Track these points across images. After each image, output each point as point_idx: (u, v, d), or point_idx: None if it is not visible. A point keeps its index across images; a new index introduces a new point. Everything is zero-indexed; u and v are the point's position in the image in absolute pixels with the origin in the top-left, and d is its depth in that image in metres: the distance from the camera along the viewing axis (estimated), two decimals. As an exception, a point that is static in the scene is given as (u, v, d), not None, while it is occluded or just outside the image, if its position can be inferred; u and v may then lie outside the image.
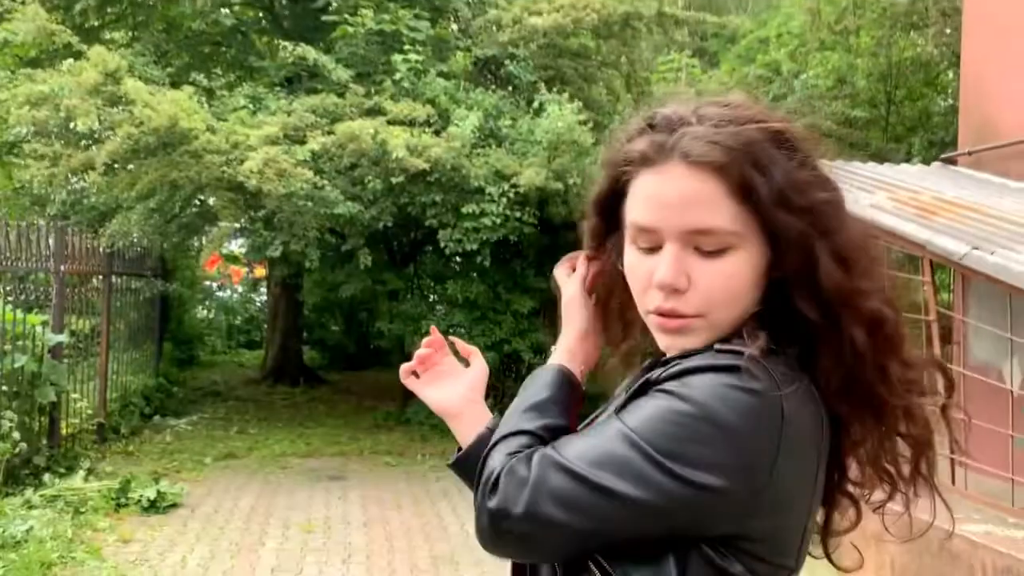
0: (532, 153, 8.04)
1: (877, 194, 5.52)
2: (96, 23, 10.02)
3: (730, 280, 0.96)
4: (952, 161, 7.52)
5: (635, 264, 1.00)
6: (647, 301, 0.99)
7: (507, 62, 9.41)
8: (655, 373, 0.98)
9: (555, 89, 8.96)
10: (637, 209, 0.99)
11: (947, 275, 7.27)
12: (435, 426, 9.24)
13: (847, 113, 12.48)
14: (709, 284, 0.95)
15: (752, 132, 0.96)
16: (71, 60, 9.05)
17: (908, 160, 11.54)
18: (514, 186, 7.73)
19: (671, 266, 0.95)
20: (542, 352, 9.15)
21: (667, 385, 0.93)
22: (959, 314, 5.56)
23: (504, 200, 7.80)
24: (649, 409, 0.93)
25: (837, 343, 0.96)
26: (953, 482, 4.32)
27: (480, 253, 8.11)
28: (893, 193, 5.58)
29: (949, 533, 3.61)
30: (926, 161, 10.02)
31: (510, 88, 9.61)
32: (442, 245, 8.21)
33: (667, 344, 1.00)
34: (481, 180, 7.76)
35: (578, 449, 0.95)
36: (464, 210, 7.87)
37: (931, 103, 13.20)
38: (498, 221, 7.84)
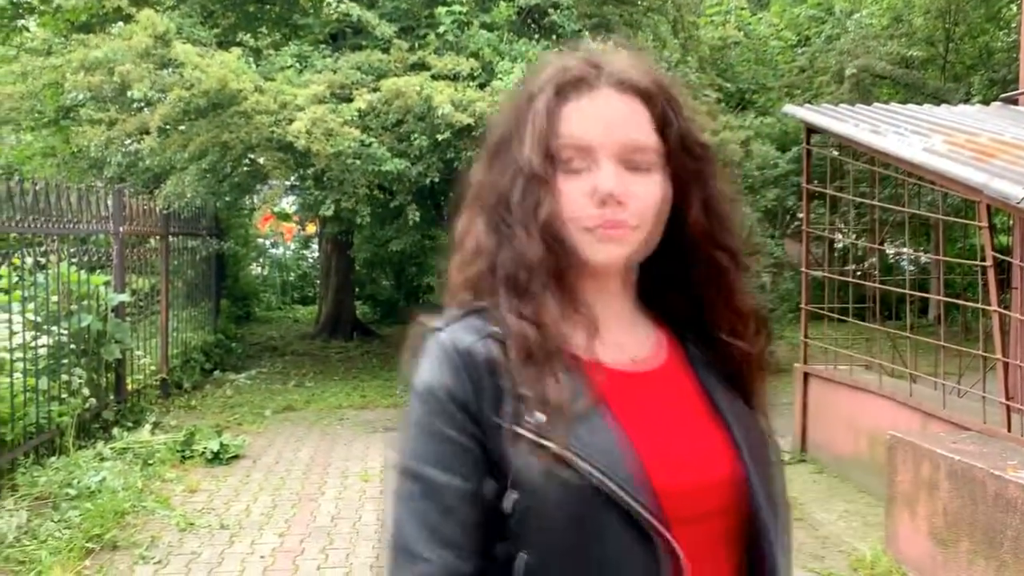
0: (577, 104, 7.98)
1: (932, 137, 5.37)
2: (144, -15, 10.14)
3: (656, 197, 1.02)
4: (1014, 100, 7.27)
5: (568, 186, 1.00)
6: (585, 218, 0.99)
7: (551, 11, 9.29)
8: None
9: (600, 38, 8.82)
10: (572, 130, 1.00)
11: (1006, 219, 7.07)
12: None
13: (903, 53, 12.09)
14: (643, 197, 1.00)
15: (665, 76, 1.06)
16: (121, 24, 9.20)
17: (967, 100, 11.16)
18: (559, 138, 7.71)
19: (615, 177, 0.99)
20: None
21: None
22: (1017, 259, 5.43)
23: (549, 152, 7.79)
24: None
25: (685, 279, 1.08)
26: (1009, 428, 4.28)
27: (526, 206, 8.13)
28: (950, 136, 5.43)
29: (1004, 479, 3.59)
30: (986, 101, 9.69)
31: (554, 38, 9.50)
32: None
33: (609, 256, 1.01)
34: (527, 133, 7.75)
35: None
36: (510, 163, 7.88)
37: (993, 39, 12.69)
38: (544, 173, 7.84)
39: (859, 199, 6.83)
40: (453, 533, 0.95)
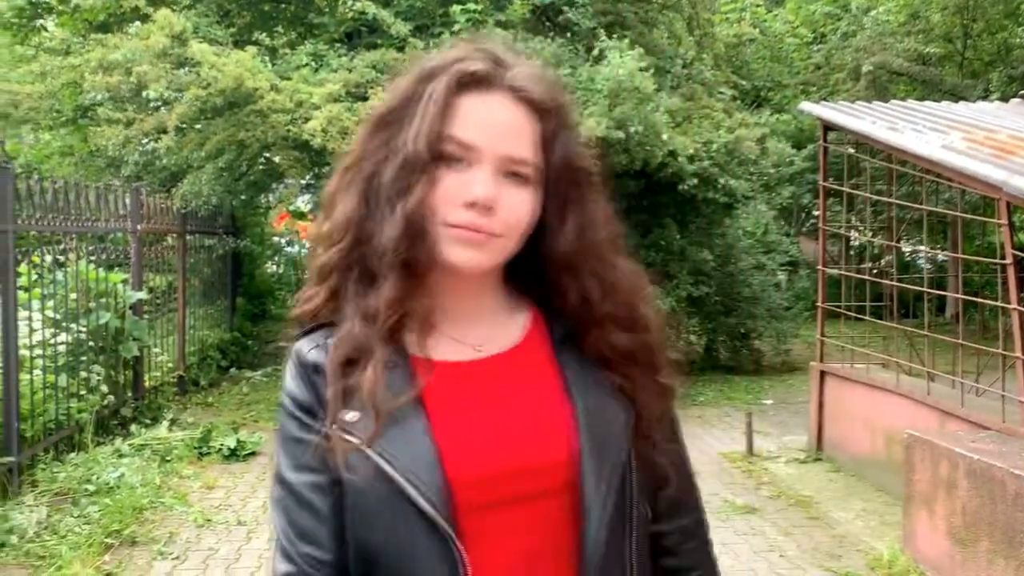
0: (592, 102, 7.96)
1: (951, 134, 5.34)
2: (160, -16, 10.20)
3: (526, 210, 1.02)
4: (1033, 97, 7.20)
5: (444, 179, 1.00)
6: (450, 214, 0.99)
7: (565, 8, 9.28)
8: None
9: (615, 35, 8.81)
10: (460, 125, 1.00)
11: (1025, 216, 7.01)
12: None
13: (920, 49, 12.00)
14: (514, 208, 1.00)
15: (563, 95, 1.07)
16: (138, 23, 9.26)
17: (986, 97, 11.07)
18: (575, 136, 7.69)
19: (490, 184, 0.99)
20: (605, 302, 9.17)
21: None
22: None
23: (565, 150, 7.77)
24: None
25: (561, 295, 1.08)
26: (1028, 428, 4.25)
27: (542, 204, 8.12)
28: (968, 133, 5.39)
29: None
30: (1005, 98, 9.60)
31: (569, 35, 9.49)
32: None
33: (463, 258, 1.00)
34: (541, 131, 7.75)
35: None
36: (525, 162, 7.88)
37: (1011, 35, 12.57)
38: (559, 172, 7.83)
39: (876, 196, 6.79)
40: (312, 527, 1.01)
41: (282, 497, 1.03)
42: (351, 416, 0.98)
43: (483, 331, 1.08)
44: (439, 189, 0.99)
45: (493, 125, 1.00)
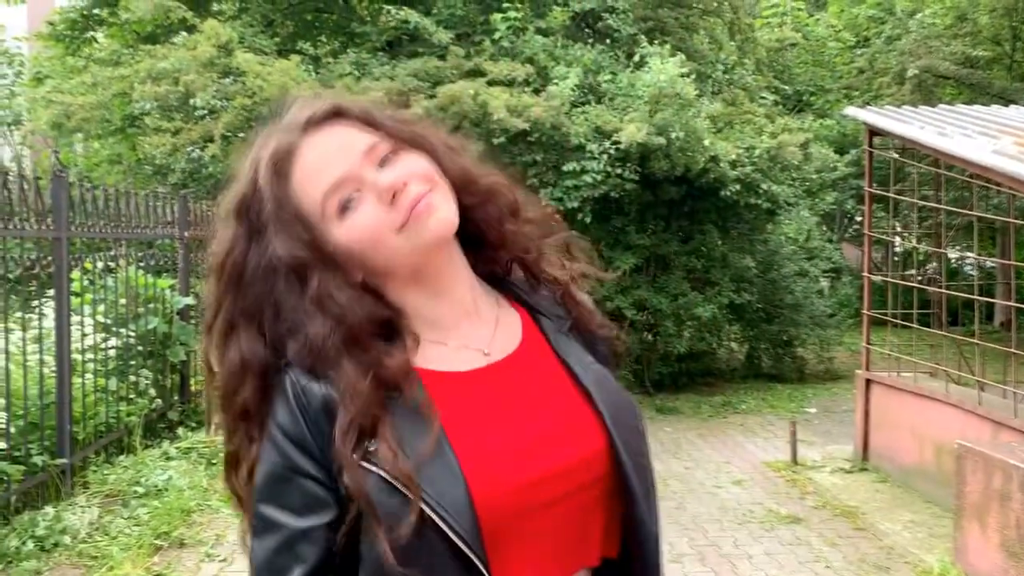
0: (633, 108, 7.95)
1: (1002, 139, 5.24)
2: (206, -5, 10.41)
3: (419, 162, 1.05)
4: (1086, 100, 7.04)
5: (353, 224, 1.02)
6: (392, 222, 1.02)
7: (606, 15, 9.29)
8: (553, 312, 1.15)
9: (656, 41, 8.80)
10: (315, 187, 1.03)
11: (1079, 222, 6.85)
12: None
13: (967, 52, 11.79)
14: (412, 167, 1.04)
15: (333, 93, 1.16)
16: (184, 33, 9.45)
17: (1036, 100, 10.82)
18: (615, 143, 7.68)
19: (384, 174, 1.03)
20: (645, 309, 9.13)
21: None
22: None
23: (605, 157, 7.76)
24: None
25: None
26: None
27: (581, 211, 8.10)
28: (1020, 137, 5.28)
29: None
30: (1056, 101, 9.40)
31: (608, 42, 9.49)
32: (543, 204, 8.24)
33: (435, 225, 1.03)
34: (581, 138, 7.75)
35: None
36: (565, 168, 7.88)
37: (1062, 37, 12.30)
38: (599, 178, 7.82)
39: (924, 202, 6.68)
40: (284, 564, 0.98)
41: (258, 529, 1.00)
42: (384, 453, 0.95)
43: (484, 332, 1.09)
44: (362, 229, 1.02)
45: (329, 156, 1.04)
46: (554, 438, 1.03)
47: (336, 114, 1.06)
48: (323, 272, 1.02)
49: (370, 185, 1.02)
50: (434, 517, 0.93)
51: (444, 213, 1.03)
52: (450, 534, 0.93)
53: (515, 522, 0.98)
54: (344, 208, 1.02)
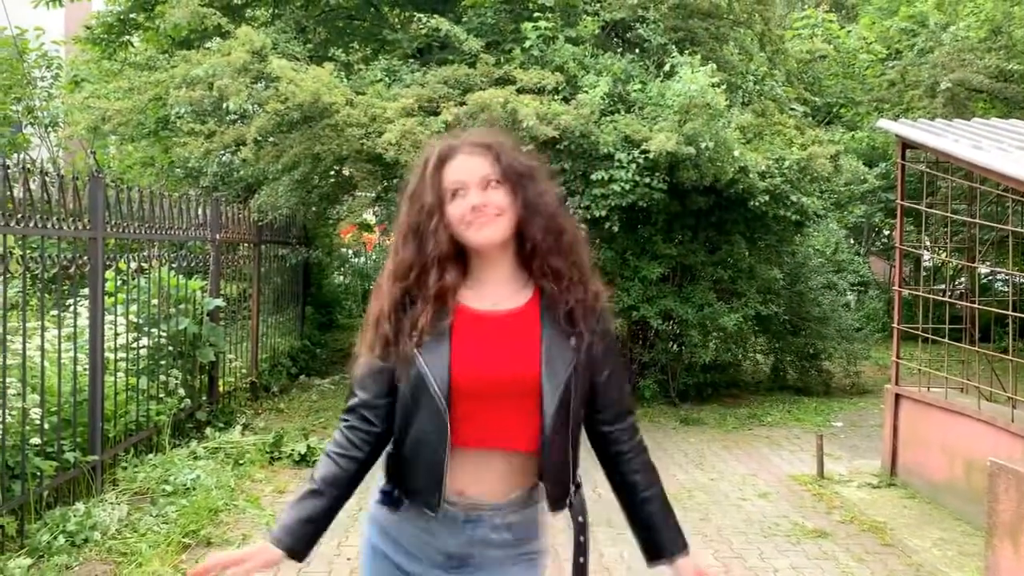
0: (663, 117, 7.94)
1: (1038, 154, 5.18)
2: (240, 1, 10.53)
3: (502, 198, 1.81)
4: (1124, 115, 6.94)
5: (452, 208, 1.81)
6: (463, 219, 1.79)
7: (636, 25, 9.29)
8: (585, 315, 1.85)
9: (686, 51, 8.78)
10: (451, 178, 1.82)
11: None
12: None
13: (1002, 66, 11.65)
14: (496, 200, 1.80)
15: (497, 137, 1.88)
16: (219, 39, 9.57)
17: (1072, 115, 10.68)
18: (644, 152, 7.66)
19: (478, 195, 1.80)
20: (671, 319, 9.10)
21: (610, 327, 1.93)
22: None
23: (633, 166, 7.75)
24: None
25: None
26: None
27: (608, 219, 8.09)
28: (1056, 152, 5.23)
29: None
30: (1093, 116, 9.26)
31: (638, 51, 9.49)
32: (571, 212, 8.24)
33: (480, 237, 1.80)
34: (610, 146, 7.74)
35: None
36: (593, 177, 7.88)
37: (1099, 52, 12.11)
38: (627, 187, 7.80)
39: (957, 216, 6.61)
40: (371, 386, 1.85)
41: (359, 367, 1.86)
42: (412, 335, 1.78)
43: (501, 294, 1.84)
44: (452, 213, 1.81)
45: (466, 168, 1.81)
46: (509, 361, 1.77)
47: (484, 146, 1.82)
48: (440, 220, 1.80)
49: (471, 195, 1.80)
50: (427, 377, 1.75)
51: (490, 233, 1.80)
52: (432, 388, 1.74)
53: (471, 398, 1.75)
54: (453, 197, 1.81)
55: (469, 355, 1.75)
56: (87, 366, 5.32)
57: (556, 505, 1.84)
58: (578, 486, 1.88)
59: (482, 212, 1.76)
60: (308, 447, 6.49)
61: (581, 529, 1.90)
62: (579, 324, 1.81)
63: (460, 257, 1.82)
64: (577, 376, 1.78)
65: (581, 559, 1.90)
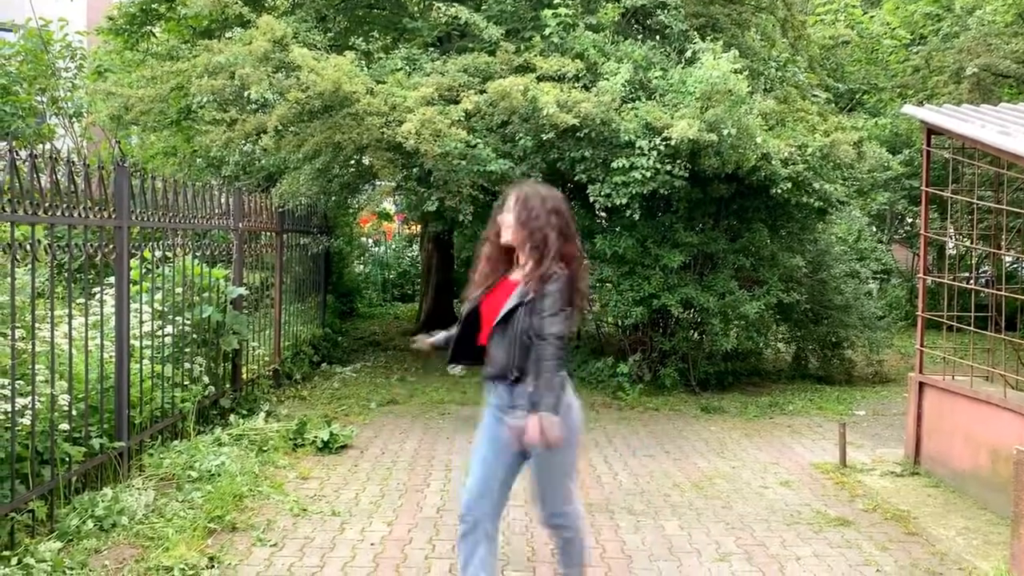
0: (684, 104, 7.89)
1: (1067, 139, 5.10)
2: (261, -10, 10.55)
3: (510, 228, 3.46)
4: None
5: (499, 224, 3.48)
6: (502, 233, 3.47)
7: (657, 11, 9.22)
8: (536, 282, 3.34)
9: (708, 38, 8.72)
10: (503, 212, 3.46)
11: None
12: (583, 379, 9.37)
13: (1030, 50, 11.47)
14: (511, 228, 3.45)
15: (527, 199, 3.45)
16: (240, 29, 9.61)
17: (1101, 100, 10.52)
18: (665, 139, 7.62)
19: (508, 222, 3.46)
20: (692, 307, 9.06)
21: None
22: None
23: (655, 153, 7.71)
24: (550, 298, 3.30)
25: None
26: None
27: (629, 207, 8.07)
28: (1085, 137, 5.15)
29: None
30: (1123, 100, 9.12)
31: (659, 38, 9.43)
32: (591, 200, 8.22)
33: (505, 239, 3.45)
34: (631, 134, 7.71)
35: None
36: (614, 164, 7.85)
37: None
38: (648, 175, 7.77)
39: (985, 203, 6.53)
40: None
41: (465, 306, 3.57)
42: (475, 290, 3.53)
43: (518, 272, 3.40)
44: (498, 227, 3.47)
45: (509, 211, 3.42)
46: (497, 309, 3.34)
47: (520, 199, 3.44)
48: (495, 234, 3.49)
49: (504, 224, 3.43)
50: (471, 308, 3.49)
51: (506, 238, 3.42)
52: (472, 313, 3.49)
53: (486, 323, 3.41)
54: (497, 218, 3.48)
55: (489, 302, 3.44)
56: (113, 353, 5.38)
57: (496, 380, 3.39)
58: (518, 379, 3.28)
59: (505, 230, 3.43)
60: (331, 434, 6.54)
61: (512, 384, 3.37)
62: (531, 287, 3.27)
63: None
64: (521, 311, 3.26)
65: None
